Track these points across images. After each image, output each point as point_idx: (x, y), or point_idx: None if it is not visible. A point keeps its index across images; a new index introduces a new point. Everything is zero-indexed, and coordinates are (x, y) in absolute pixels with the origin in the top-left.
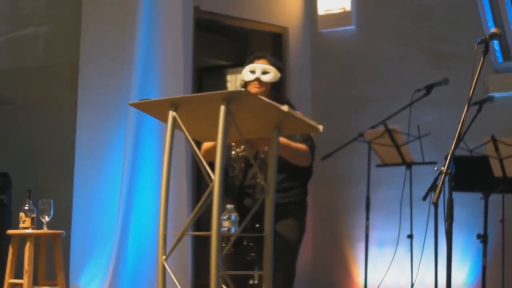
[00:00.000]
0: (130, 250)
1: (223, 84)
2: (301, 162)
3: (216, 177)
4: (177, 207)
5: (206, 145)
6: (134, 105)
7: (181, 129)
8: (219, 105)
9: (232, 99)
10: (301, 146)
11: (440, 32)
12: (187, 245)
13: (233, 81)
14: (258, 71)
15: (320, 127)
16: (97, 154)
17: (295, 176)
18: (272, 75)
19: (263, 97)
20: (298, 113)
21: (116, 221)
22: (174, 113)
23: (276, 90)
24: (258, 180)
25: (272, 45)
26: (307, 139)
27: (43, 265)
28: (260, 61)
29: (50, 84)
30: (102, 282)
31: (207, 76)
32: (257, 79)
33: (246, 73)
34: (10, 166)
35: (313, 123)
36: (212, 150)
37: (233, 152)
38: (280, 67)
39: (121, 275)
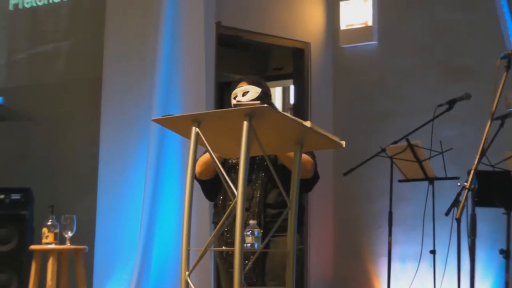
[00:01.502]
0: (152, 265)
1: None
2: (305, 174)
3: (239, 192)
4: (199, 222)
5: (202, 158)
6: (156, 121)
7: (204, 145)
8: (242, 121)
9: (255, 114)
10: (306, 157)
11: (460, 47)
12: (209, 261)
13: None
14: (239, 95)
15: (343, 143)
16: (120, 169)
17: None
18: (251, 93)
19: (285, 113)
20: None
21: (138, 236)
22: (197, 129)
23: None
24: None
25: (294, 60)
26: (310, 152)
27: (66, 281)
28: (240, 84)
29: (72, 100)
30: None
31: (228, 91)
32: (239, 102)
33: (231, 100)
34: (32, 181)
35: (335, 138)
36: (208, 163)
37: (230, 161)
38: (260, 83)
39: None
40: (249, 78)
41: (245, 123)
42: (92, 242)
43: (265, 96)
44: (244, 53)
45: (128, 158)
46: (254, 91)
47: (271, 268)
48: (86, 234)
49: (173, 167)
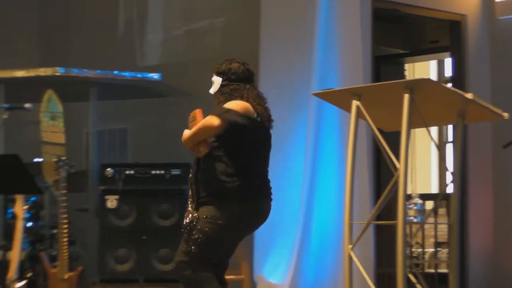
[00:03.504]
0: (313, 239)
1: (400, 73)
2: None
3: (401, 165)
4: (359, 197)
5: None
6: (317, 94)
7: (364, 118)
8: (402, 94)
9: (415, 87)
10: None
11: None
12: (370, 234)
13: (411, 70)
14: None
15: (505, 115)
16: (279, 145)
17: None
18: (213, 87)
19: (446, 85)
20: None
21: (298, 211)
22: (358, 102)
23: (226, 93)
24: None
25: (450, 33)
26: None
27: None
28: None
29: None
30: (285, 272)
31: (384, 65)
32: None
33: None
34: (190, 156)
35: (497, 110)
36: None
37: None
38: (219, 72)
39: (304, 264)
40: (214, 67)
41: (406, 96)
42: None
43: (227, 86)
44: (399, 27)
45: (287, 133)
46: (216, 83)
47: None
48: None
49: (332, 141)
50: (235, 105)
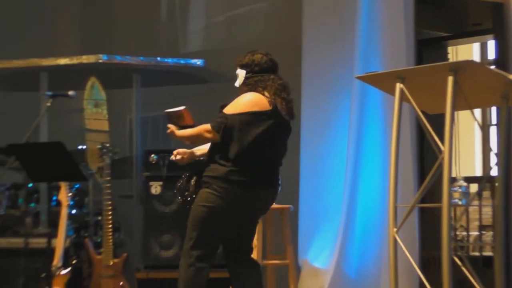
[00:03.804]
0: (357, 223)
1: (443, 56)
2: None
3: (445, 148)
4: (403, 180)
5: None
6: (360, 78)
7: (408, 101)
8: (446, 76)
9: (459, 69)
10: (198, 129)
11: None
12: (414, 218)
13: (453, 53)
14: None
15: None
16: (323, 129)
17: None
18: (238, 80)
19: (490, 67)
20: None
21: (343, 194)
22: (401, 85)
23: (251, 84)
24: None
25: (492, 15)
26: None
27: (272, 240)
28: None
29: None
30: (330, 255)
31: (426, 48)
32: None
33: None
34: None
35: None
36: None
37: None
38: (242, 64)
39: (349, 248)
40: (237, 61)
41: (450, 78)
42: (296, 201)
43: (250, 78)
44: (442, 9)
45: (330, 115)
46: (240, 76)
47: None
48: (291, 194)
49: (375, 123)
50: (242, 103)
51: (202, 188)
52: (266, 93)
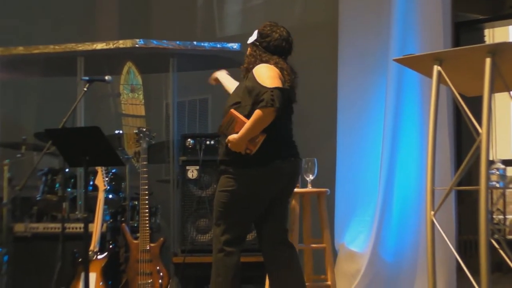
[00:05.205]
0: (394, 207)
1: (480, 39)
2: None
3: (483, 130)
4: (440, 162)
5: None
6: (398, 60)
7: (445, 83)
8: (484, 58)
9: (498, 51)
10: (253, 117)
11: None
12: (451, 201)
13: (490, 36)
14: None
15: None
16: (359, 113)
17: None
18: (250, 38)
19: None
20: None
21: (379, 178)
22: (439, 67)
23: (254, 56)
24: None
25: None
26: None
27: (308, 223)
28: None
29: (309, 44)
30: (366, 239)
31: (463, 30)
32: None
33: None
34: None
35: None
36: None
37: None
38: (260, 32)
39: (385, 231)
40: (262, 25)
41: (488, 60)
42: (333, 185)
43: (260, 45)
44: None
45: (366, 99)
46: (252, 38)
47: None
48: (327, 177)
49: (412, 106)
50: (270, 75)
51: (222, 175)
52: None
